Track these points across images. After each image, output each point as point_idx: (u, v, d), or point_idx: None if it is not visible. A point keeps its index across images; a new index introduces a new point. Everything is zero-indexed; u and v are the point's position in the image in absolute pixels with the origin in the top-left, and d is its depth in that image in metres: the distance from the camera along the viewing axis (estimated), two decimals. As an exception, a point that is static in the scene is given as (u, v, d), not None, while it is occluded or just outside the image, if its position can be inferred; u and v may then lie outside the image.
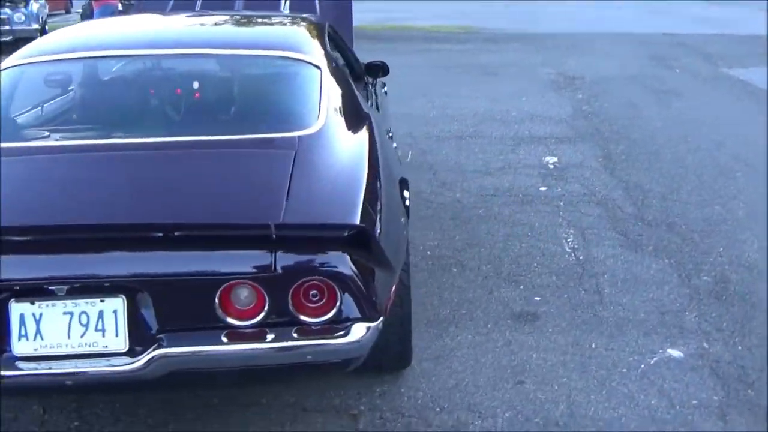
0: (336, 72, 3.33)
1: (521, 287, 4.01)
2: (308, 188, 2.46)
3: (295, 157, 2.60)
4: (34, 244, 2.13)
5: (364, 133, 3.08)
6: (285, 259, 2.14)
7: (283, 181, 2.44)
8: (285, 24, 3.83)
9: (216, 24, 3.69)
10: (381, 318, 2.23)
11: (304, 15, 4.22)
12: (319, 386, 3.09)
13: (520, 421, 2.87)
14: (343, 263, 2.16)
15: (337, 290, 2.17)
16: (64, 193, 2.45)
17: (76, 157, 2.66)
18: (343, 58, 4.46)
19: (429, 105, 8.74)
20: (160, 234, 2.11)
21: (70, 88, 3.29)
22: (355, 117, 3.20)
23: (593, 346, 3.40)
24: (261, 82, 3.30)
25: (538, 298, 3.87)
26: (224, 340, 2.19)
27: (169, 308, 2.20)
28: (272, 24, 3.79)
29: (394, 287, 2.38)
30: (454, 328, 3.59)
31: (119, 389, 2.45)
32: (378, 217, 2.48)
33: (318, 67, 3.15)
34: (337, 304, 2.20)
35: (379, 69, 4.53)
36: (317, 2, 5.91)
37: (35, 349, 2.18)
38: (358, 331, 2.19)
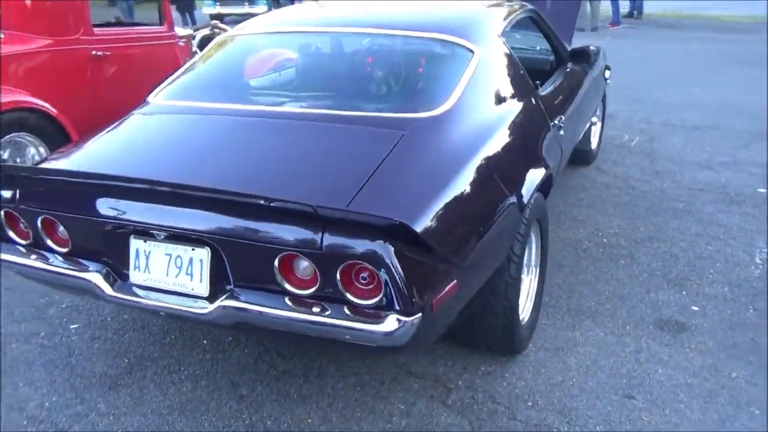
0: (500, 58, 2.79)
1: (683, 293, 3.18)
2: (392, 174, 2.05)
3: (400, 139, 2.20)
4: (146, 194, 2.02)
5: (503, 123, 2.54)
6: (331, 240, 1.79)
7: (373, 163, 2.07)
8: (470, 7, 3.29)
9: (402, 4, 3.28)
10: (419, 314, 1.79)
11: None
12: (435, 352, 2.72)
13: (608, 440, 2.26)
14: (384, 253, 1.75)
15: (381, 278, 1.80)
16: (174, 151, 2.34)
17: (203, 119, 2.53)
18: (549, 43, 3.83)
19: (681, 92, 7.45)
20: (232, 200, 1.88)
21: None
22: (505, 105, 2.66)
23: (733, 375, 2.56)
24: (410, 62, 2.86)
25: (695, 308, 3.04)
26: (278, 303, 1.92)
27: (241, 267, 1.99)
28: (454, 7, 3.27)
29: (452, 285, 1.91)
30: (589, 322, 2.95)
31: (198, 325, 2.34)
32: (451, 213, 2.00)
33: (471, 51, 2.65)
34: (382, 291, 1.83)
35: (583, 55, 3.81)
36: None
37: (144, 280, 2.12)
38: (390, 322, 1.78)
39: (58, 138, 4.37)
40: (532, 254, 2.83)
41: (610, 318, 2.97)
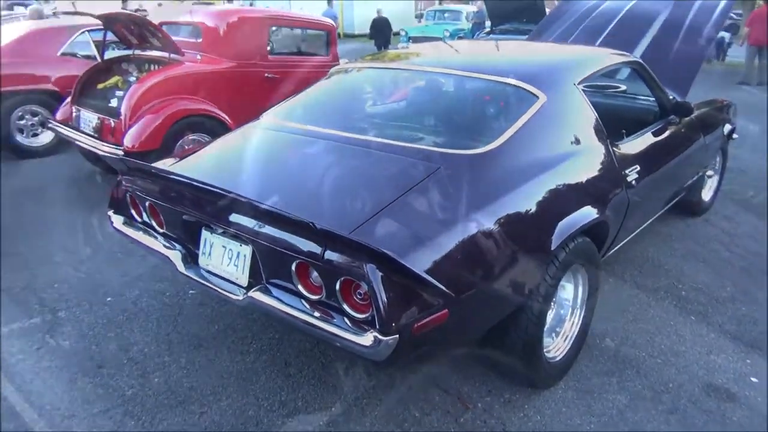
0: (569, 105, 2.49)
1: (747, 361, 2.62)
2: (412, 203, 1.91)
3: (433, 172, 2.04)
4: (211, 196, 2.07)
5: (554, 167, 2.25)
6: (330, 256, 1.71)
7: (398, 191, 1.95)
8: (554, 54, 2.96)
9: (487, 48, 3.05)
10: (396, 336, 1.64)
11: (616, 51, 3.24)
12: (469, 370, 2.51)
13: (601, 495, 1.91)
14: (372, 275, 1.63)
15: (370, 296, 1.68)
16: (249, 163, 2.38)
17: (286, 138, 2.53)
18: (653, 95, 3.37)
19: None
20: (263, 209, 1.86)
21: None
22: (563, 150, 2.37)
23: (770, 459, 2.06)
24: (476, 103, 2.63)
25: (755, 380, 2.49)
26: (293, 303, 1.88)
27: (269, 266, 1.97)
28: (539, 53, 2.96)
29: (440, 314, 1.72)
30: (632, 372, 2.54)
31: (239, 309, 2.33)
32: (458, 248, 1.81)
33: (536, 96, 2.39)
34: (371, 308, 1.71)
35: (683, 109, 3.31)
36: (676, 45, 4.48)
37: (207, 264, 2.19)
38: (368, 339, 1.66)
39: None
40: (577, 297, 2.51)
41: (655, 372, 2.54)
